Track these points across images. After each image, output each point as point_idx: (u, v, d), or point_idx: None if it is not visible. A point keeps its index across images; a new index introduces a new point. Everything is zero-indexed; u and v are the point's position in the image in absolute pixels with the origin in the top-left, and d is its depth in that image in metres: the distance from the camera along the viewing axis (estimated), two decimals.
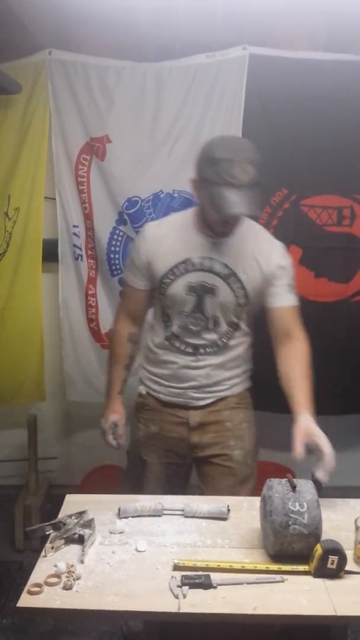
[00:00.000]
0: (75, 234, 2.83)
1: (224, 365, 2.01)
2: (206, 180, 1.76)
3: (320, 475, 1.64)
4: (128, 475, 2.26)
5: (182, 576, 1.35)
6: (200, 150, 1.82)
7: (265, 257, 1.91)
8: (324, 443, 1.65)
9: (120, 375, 2.11)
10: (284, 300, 1.94)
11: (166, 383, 2.04)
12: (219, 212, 1.75)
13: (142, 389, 2.13)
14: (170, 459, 2.08)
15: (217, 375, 2.01)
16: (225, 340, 1.98)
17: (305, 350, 1.93)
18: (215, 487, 2.02)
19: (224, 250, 1.90)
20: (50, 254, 2.83)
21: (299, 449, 1.66)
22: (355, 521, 1.47)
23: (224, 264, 1.90)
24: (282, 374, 1.91)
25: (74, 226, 2.83)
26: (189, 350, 1.98)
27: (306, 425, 1.71)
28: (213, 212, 1.78)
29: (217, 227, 1.86)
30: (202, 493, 2.05)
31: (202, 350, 1.98)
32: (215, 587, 1.34)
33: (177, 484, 2.07)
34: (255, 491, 1.97)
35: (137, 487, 2.07)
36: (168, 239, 1.94)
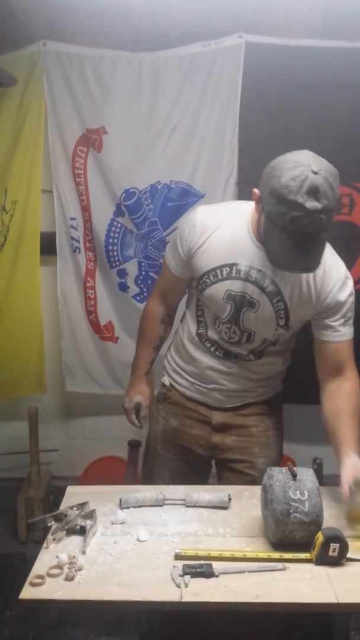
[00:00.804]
0: (72, 227, 2.82)
1: (253, 376, 1.89)
2: (268, 214, 1.52)
3: None
4: (130, 465, 2.25)
5: (184, 565, 1.36)
6: (271, 170, 1.51)
7: (319, 287, 1.70)
8: None
9: (148, 356, 2.03)
10: (337, 334, 1.73)
11: (191, 380, 1.93)
12: (270, 259, 1.57)
13: (166, 380, 2.03)
14: (187, 456, 1.99)
15: (244, 383, 1.89)
16: (257, 355, 1.84)
17: (357, 389, 1.74)
18: None
19: None
20: (48, 247, 2.82)
21: (347, 490, 1.53)
22: (350, 487, 1.50)
23: (273, 281, 1.69)
24: (327, 410, 1.73)
25: (72, 218, 2.81)
26: (219, 353, 1.85)
27: (355, 467, 1.56)
28: (265, 249, 1.60)
29: None
30: None
31: (232, 358, 1.85)
32: (217, 576, 1.34)
33: (193, 482, 1.93)
34: None
35: (148, 480, 2.02)
36: (218, 234, 1.73)
